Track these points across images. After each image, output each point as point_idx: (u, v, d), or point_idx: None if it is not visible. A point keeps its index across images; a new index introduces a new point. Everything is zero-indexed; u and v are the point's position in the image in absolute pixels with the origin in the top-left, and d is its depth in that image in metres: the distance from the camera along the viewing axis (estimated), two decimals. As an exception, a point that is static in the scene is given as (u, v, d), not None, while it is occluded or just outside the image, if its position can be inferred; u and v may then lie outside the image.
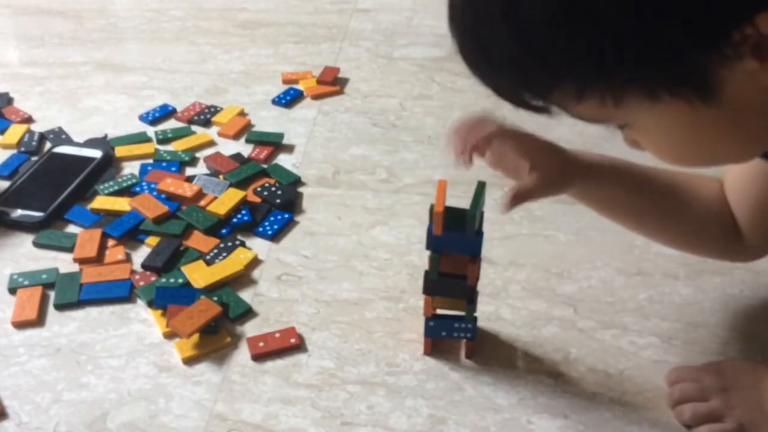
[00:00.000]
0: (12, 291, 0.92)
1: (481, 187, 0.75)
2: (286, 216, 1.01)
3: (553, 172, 0.77)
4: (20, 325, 0.88)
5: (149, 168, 1.11)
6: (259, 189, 1.06)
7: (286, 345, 0.84)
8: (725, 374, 0.77)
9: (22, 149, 1.16)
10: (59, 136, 1.19)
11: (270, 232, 0.99)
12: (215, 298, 0.89)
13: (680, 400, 0.76)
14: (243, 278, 0.94)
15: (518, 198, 0.75)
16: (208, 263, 0.95)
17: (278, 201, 1.03)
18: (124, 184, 1.08)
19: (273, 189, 1.06)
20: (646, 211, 0.83)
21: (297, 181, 1.10)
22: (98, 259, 0.96)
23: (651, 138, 0.60)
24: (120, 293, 0.91)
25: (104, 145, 1.16)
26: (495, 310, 0.89)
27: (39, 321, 0.89)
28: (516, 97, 0.59)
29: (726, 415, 0.74)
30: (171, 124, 1.23)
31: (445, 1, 0.65)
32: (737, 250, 0.82)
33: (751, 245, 0.81)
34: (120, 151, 1.15)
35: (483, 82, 0.60)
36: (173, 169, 1.11)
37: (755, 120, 0.57)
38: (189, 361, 0.84)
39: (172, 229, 0.99)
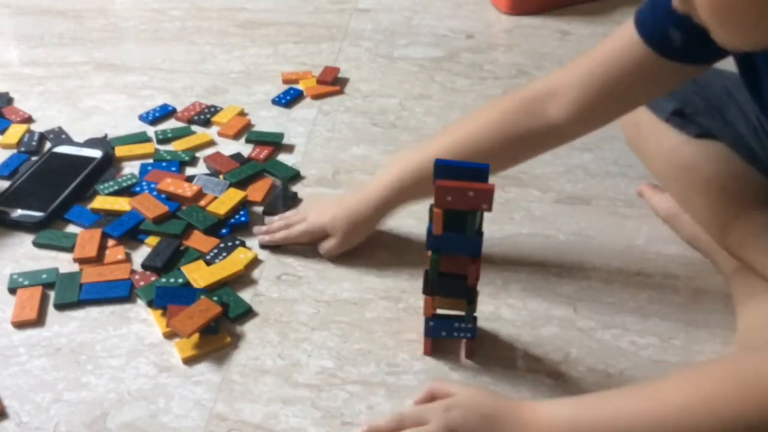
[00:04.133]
0: (12, 291, 0.92)
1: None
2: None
3: (348, 236, 0.95)
4: (20, 324, 0.88)
5: (149, 168, 1.11)
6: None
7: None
8: (452, 410, 0.71)
9: (22, 149, 1.16)
10: (59, 136, 1.19)
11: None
12: (215, 298, 0.89)
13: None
14: (243, 278, 0.94)
15: (328, 255, 0.96)
16: (208, 263, 0.95)
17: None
18: (124, 184, 1.08)
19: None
20: None
21: (296, 176, 1.10)
22: (98, 259, 0.96)
23: None
24: (120, 293, 0.91)
25: (104, 145, 1.16)
26: (495, 310, 0.89)
27: (39, 321, 0.89)
28: None
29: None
30: (171, 124, 1.23)
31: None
32: (550, 141, 0.89)
33: (569, 130, 0.86)
34: (120, 151, 1.15)
35: None
36: (173, 169, 1.11)
37: None
38: (189, 361, 0.84)
39: (172, 229, 0.99)
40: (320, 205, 0.98)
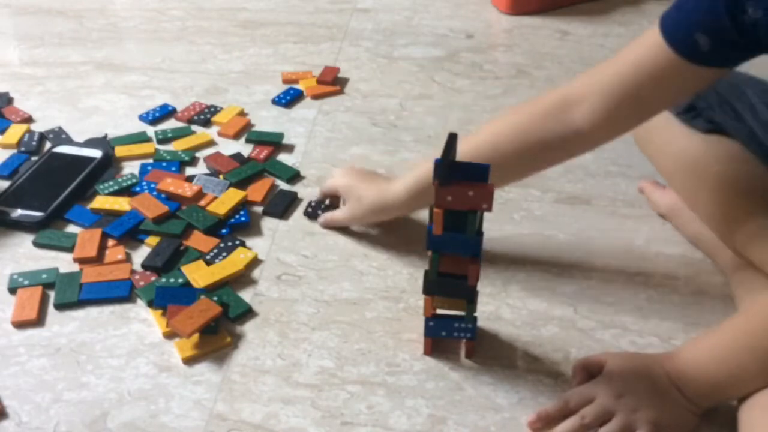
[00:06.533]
0: (12, 291, 0.92)
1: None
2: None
3: (362, 209, 0.97)
4: (20, 324, 0.88)
5: (149, 168, 1.11)
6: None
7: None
8: (614, 380, 0.76)
9: (22, 149, 1.16)
10: (59, 136, 1.19)
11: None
12: (215, 298, 0.89)
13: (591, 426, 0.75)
14: (243, 278, 0.94)
15: (326, 224, 1.01)
16: (208, 263, 0.95)
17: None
18: (124, 184, 1.08)
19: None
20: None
21: (296, 176, 1.11)
22: (98, 259, 0.96)
23: None
24: (120, 293, 0.91)
25: (104, 144, 1.16)
26: (495, 310, 0.89)
27: (39, 321, 0.89)
28: None
29: (636, 423, 0.73)
30: (171, 123, 1.23)
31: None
32: (575, 149, 0.87)
33: (595, 137, 0.84)
34: (120, 150, 1.15)
35: None
36: (173, 168, 1.11)
37: None
38: (189, 361, 0.84)
39: (172, 229, 0.99)
40: (350, 172, 1.02)
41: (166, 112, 1.25)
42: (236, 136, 1.20)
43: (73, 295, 0.91)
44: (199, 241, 0.98)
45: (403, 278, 0.94)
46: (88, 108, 1.28)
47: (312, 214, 1.03)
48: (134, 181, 1.08)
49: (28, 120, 1.24)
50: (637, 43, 0.79)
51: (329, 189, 1.03)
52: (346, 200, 0.99)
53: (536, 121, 0.85)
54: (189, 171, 1.12)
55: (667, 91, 0.79)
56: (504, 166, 0.84)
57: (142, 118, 1.24)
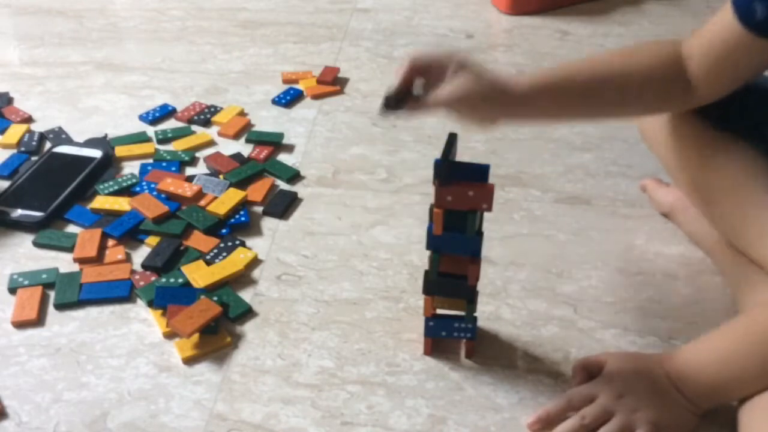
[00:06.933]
0: (12, 291, 0.92)
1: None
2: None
3: (474, 92, 0.81)
4: (20, 324, 0.88)
5: (149, 168, 1.11)
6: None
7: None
8: (614, 380, 0.76)
9: (22, 149, 1.16)
10: (59, 136, 1.19)
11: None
12: (215, 298, 0.89)
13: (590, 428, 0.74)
14: (243, 278, 0.94)
15: (433, 102, 0.82)
16: (208, 263, 0.95)
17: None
18: (124, 184, 1.08)
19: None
20: (595, 112, 0.91)
21: (296, 176, 1.11)
22: (98, 259, 0.96)
23: None
24: (120, 293, 0.91)
25: (104, 144, 1.16)
26: (495, 310, 0.89)
27: (39, 321, 0.89)
28: None
29: (636, 423, 0.73)
30: (171, 123, 1.24)
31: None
32: (685, 102, 0.86)
33: (700, 95, 0.84)
34: (120, 150, 1.15)
35: None
36: (173, 168, 1.11)
37: None
38: (189, 361, 0.84)
39: (172, 229, 0.99)
40: None
41: (166, 112, 1.25)
42: (236, 136, 1.20)
43: (73, 295, 0.91)
44: (199, 241, 0.98)
45: (403, 278, 0.94)
46: (88, 108, 1.28)
47: (403, 99, 0.84)
48: (134, 181, 1.08)
49: (28, 120, 1.24)
50: (720, 10, 0.80)
51: (443, 52, 0.85)
52: (461, 73, 0.82)
53: (668, 62, 0.84)
54: (189, 171, 1.12)
55: (738, 61, 0.80)
56: (627, 95, 0.85)
57: (142, 118, 1.24)
